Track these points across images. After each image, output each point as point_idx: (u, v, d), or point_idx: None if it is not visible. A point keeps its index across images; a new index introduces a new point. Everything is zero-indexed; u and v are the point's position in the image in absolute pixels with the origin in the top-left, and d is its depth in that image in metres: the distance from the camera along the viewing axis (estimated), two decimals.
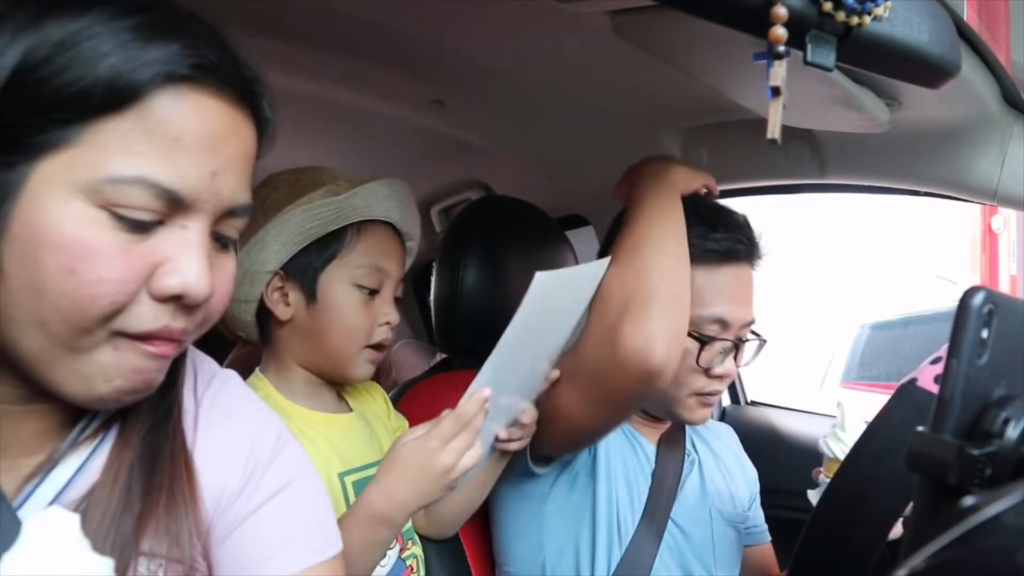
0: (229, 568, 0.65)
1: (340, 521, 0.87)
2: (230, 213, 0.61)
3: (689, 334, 1.14)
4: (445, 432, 0.91)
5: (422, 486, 0.91)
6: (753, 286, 1.21)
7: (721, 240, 1.17)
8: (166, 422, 0.64)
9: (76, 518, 0.48)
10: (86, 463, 0.62)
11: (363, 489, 1.06)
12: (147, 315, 0.56)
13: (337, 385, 1.14)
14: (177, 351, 0.61)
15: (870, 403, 1.13)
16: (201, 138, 0.56)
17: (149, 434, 0.63)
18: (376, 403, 1.22)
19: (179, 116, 0.55)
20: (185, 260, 0.57)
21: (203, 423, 0.67)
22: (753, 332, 1.24)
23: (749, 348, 1.24)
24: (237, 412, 0.70)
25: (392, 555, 1.08)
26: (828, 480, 1.18)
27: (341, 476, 1.05)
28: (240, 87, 0.61)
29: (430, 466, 0.90)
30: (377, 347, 1.08)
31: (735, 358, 1.20)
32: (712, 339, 1.16)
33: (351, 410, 1.15)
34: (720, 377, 1.19)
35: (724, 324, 1.17)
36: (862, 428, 1.17)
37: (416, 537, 1.19)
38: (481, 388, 0.94)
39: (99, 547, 0.53)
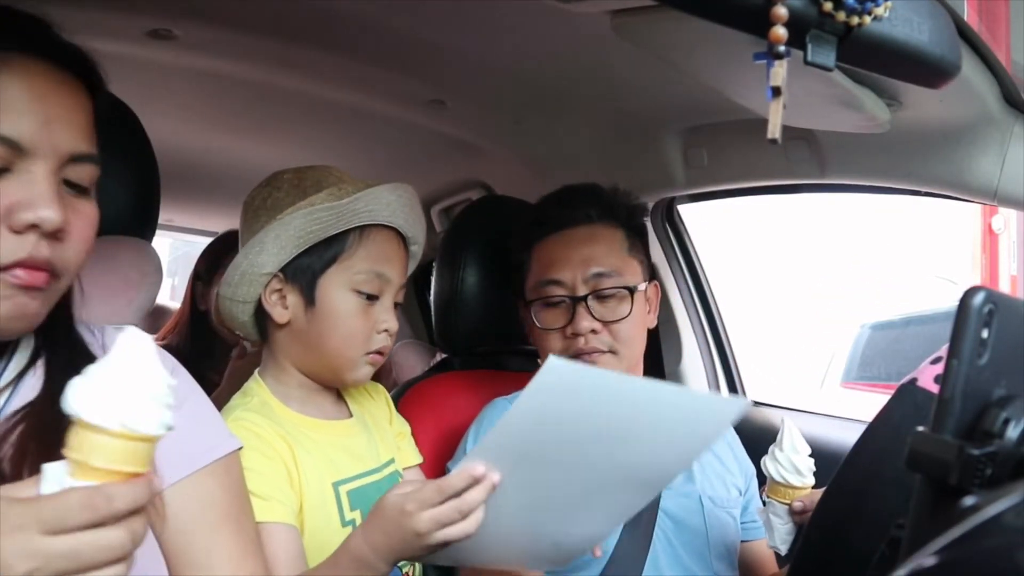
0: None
1: (330, 558, 0.91)
2: (74, 159, 0.71)
3: (527, 301, 1.30)
4: (425, 499, 0.83)
5: (397, 543, 0.85)
6: (592, 241, 1.30)
7: (539, 214, 1.34)
8: (83, 352, 0.77)
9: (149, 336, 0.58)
10: (17, 386, 0.74)
11: (357, 498, 1.05)
12: (9, 247, 0.67)
13: (335, 388, 1.13)
14: (49, 283, 0.70)
15: (870, 403, 1.13)
16: (27, 94, 0.68)
17: (70, 359, 0.75)
18: (377, 406, 1.20)
19: (5, 80, 0.67)
20: (35, 196, 0.67)
21: None
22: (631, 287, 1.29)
23: (619, 298, 1.28)
24: None
25: None
26: (771, 500, 1.17)
27: (335, 485, 1.03)
28: (58, 55, 0.72)
29: (403, 527, 0.84)
30: (377, 352, 1.06)
31: (589, 312, 1.26)
32: (539, 300, 1.29)
33: (351, 415, 1.13)
34: (579, 336, 1.25)
35: (559, 284, 1.28)
36: (804, 447, 1.17)
37: None
38: (474, 464, 0.83)
39: (48, 445, 0.64)
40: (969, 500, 0.41)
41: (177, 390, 0.82)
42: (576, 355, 1.25)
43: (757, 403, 2.37)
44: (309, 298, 1.03)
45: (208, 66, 1.50)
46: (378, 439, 1.14)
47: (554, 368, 0.76)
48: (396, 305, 1.09)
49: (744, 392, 2.36)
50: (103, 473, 0.55)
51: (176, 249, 8.07)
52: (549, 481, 0.87)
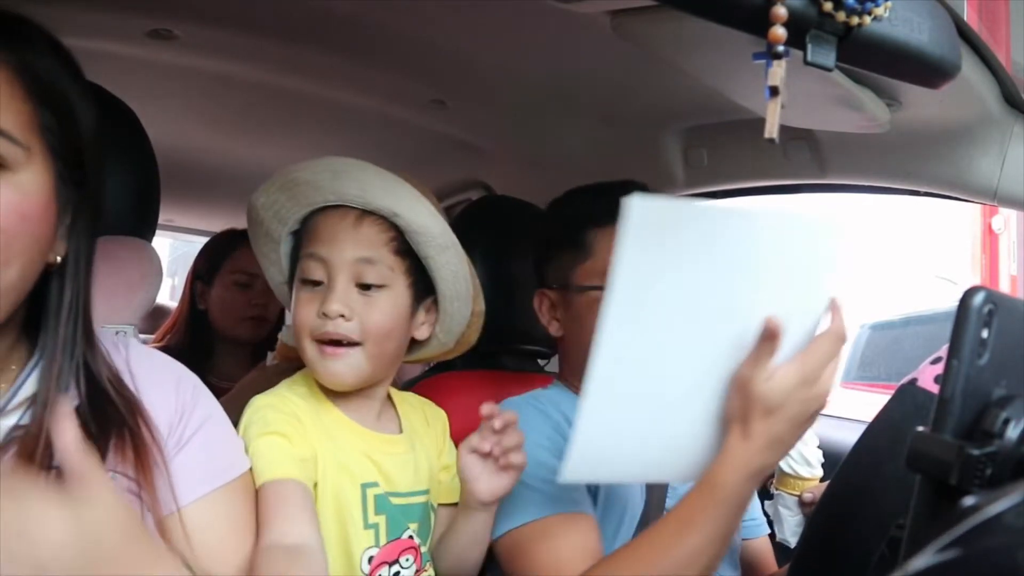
0: (172, 488, 0.79)
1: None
2: None
3: (594, 288, 1.20)
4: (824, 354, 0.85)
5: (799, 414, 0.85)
6: None
7: (608, 203, 1.23)
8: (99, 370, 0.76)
9: None
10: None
11: (383, 503, 1.01)
12: None
13: (379, 397, 1.07)
14: None
15: (870, 403, 1.13)
16: None
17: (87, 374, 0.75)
18: (430, 434, 1.14)
19: None
20: None
21: (135, 368, 0.81)
22: None
23: None
24: (159, 360, 0.87)
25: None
26: (780, 492, 1.17)
27: (364, 486, 1.00)
28: None
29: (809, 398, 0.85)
30: (327, 342, 0.98)
31: None
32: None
33: (400, 431, 1.09)
34: None
35: None
36: (812, 439, 1.17)
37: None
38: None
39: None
40: (969, 500, 0.41)
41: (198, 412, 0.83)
42: None
43: None
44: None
45: (208, 66, 1.49)
46: (423, 465, 1.09)
47: (638, 205, 0.74)
48: (368, 287, 0.99)
49: None
50: None
51: (176, 249, 8.06)
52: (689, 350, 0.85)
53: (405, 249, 1.02)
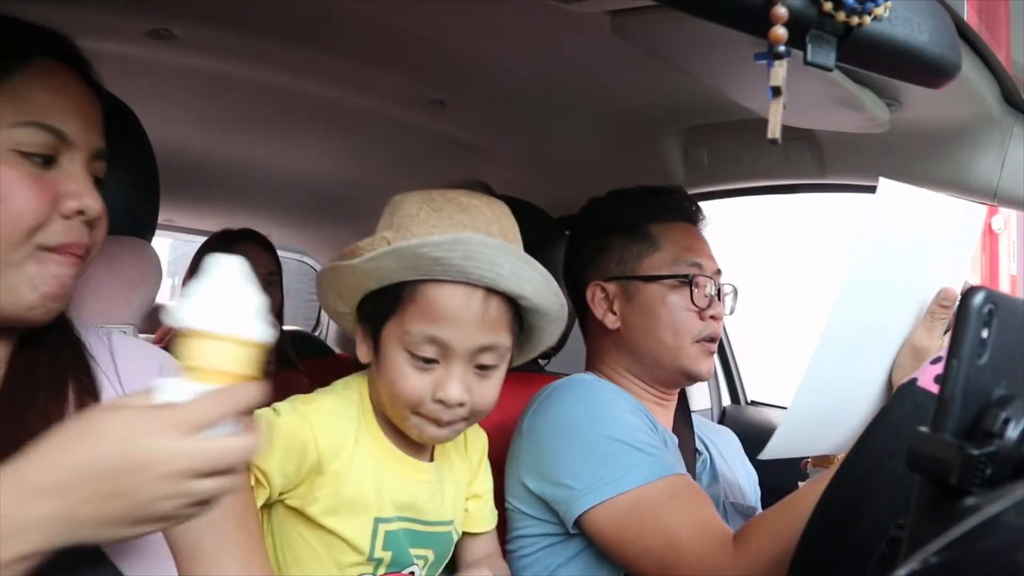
0: None
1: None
2: (96, 155, 0.78)
3: (675, 276, 1.25)
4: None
5: None
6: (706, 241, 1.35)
7: (671, 200, 1.33)
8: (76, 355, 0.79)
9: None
10: None
11: (392, 540, 0.99)
12: (60, 230, 0.74)
13: None
14: (82, 265, 0.77)
15: None
16: (67, 99, 0.76)
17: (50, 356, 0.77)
18: (463, 461, 1.11)
19: (42, 81, 0.75)
20: (80, 187, 0.75)
21: (119, 358, 0.83)
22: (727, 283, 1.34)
23: (727, 299, 1.34)
24: (142, 348, 0.89)
25: None
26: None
27: (377, 521, 0.99)
28: (76, 62, 0.79)
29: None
30: (434, 421, 0.96)
31: (720, 301, 1.29)
32: (696, 278, 1.26)
33: (431, 459, 1.06)
34: (714, 318, 1.26)
35: (700, 267, 1.27)
36: None
37: None
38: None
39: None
40: (969, 500, 0.41)
41: None
42: (710, 339, 1.26)
43: (757, 403, 2.37)
44: (375, 347, 0.99)
45: (208, 66, 1.49)
46: (449, 495, 1.07)
47: (890, 189, 0.81)
48: (485, 368, 0.97)
49: (744, 393, 2.36)
50: (226, 376, 0.60)
51: (176, 249, 8.05)
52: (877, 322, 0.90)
53: (518, 320, 1.00)
